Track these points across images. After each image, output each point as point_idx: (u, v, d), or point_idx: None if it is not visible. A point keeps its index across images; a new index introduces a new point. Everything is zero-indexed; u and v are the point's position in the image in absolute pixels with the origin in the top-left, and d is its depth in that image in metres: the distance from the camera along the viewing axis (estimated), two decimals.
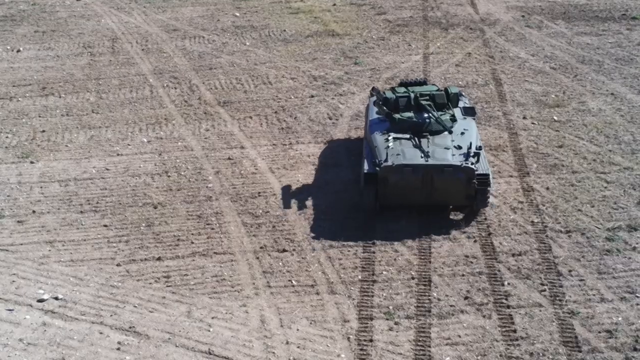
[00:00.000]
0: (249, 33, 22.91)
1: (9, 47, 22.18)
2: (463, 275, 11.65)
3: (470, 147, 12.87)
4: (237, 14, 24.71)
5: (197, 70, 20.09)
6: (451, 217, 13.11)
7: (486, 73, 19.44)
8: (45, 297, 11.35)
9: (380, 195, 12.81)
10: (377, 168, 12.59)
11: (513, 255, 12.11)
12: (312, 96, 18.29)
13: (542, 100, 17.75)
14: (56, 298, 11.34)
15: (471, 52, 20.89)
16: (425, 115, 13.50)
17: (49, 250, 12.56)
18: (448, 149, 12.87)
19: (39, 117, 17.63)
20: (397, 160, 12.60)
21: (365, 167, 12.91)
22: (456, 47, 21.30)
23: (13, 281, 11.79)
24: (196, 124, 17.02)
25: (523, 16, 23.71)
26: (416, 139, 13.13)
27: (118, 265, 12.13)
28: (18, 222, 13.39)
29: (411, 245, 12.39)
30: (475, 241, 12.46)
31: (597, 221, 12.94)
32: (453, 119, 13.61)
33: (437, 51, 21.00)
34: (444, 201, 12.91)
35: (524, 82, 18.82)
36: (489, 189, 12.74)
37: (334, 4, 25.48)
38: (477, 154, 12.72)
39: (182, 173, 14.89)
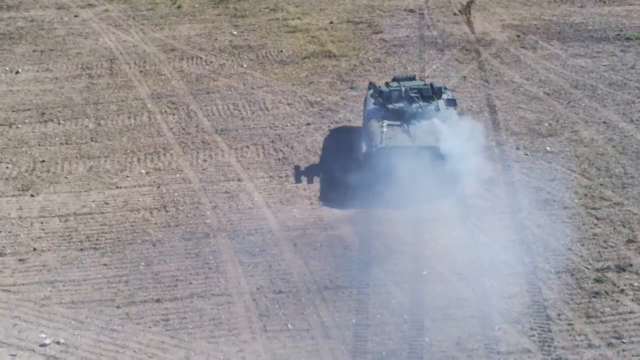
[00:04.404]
0: (246, 54, 23.07)
1: (7, 68, 22.34)
2: (454, 319, 11.95)
3: None
4: (235, 32, 24.85)
5: (194, 95, 20.28)
6: (442, 254, 13.39)
7: (481, 99, 19.66)
8: (47, 341, 11.64)
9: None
10: (373, 149, 15.06)
11: (504, 297, 12.40)
12: (309, 124, 18.52)
13: (535, 129, 17.98)
14: (58, 342, 11.63)
15: (466, 75, 21.10)
16: (414, 105, 15.87)
17: (50, 291, 12.83)
18: (432, 133, 15.28)
19: (39, 145, 17.85)
20: (390, 142, 15.08)
21: (364, 148, 15.38)
22: (452, 69, 21.50)
23: (15, 324, 12.07)
24: (194, 154, 17.25)
25: (518, 36, 23.89)
26: (405, 125, 15.62)
27: (118, 307, 12.40)
28: (19, 260, 13.65)
29: (404, 287, 12.68)
30: (467, 282, 12.76)
31: (587, 261, 13.23)
32: (437, 109, 16.10)
33: (432, 74, 21.19)
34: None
35: (518, 109, 19.05)
36: None
37: (331, 22, 25.62)
38: None
39: (180, 208, 15.14)
